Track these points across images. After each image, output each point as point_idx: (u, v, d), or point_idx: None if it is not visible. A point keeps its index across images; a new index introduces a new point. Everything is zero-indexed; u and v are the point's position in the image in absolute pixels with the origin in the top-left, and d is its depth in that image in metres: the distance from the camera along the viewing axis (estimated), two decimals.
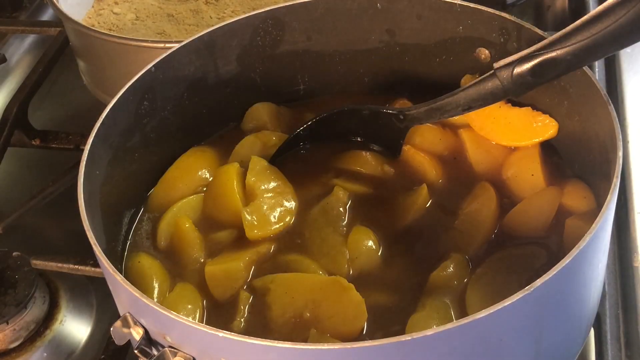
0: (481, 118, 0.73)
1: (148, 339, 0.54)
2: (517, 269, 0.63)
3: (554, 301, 0.52)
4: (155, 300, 0.64)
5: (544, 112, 0.71)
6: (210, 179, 0.75)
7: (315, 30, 0.78)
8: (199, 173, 0.75)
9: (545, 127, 0.71)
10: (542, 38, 0.65)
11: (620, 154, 0.57)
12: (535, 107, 0.72)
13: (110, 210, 0.68)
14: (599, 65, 0.98)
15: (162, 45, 0.85)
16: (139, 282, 0.66)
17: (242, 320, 0.63)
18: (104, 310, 0.82)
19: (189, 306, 0.64)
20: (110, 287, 0.59)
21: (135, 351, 0.55)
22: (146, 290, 0.65)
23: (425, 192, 0.70)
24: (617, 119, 0.59)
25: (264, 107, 0.80)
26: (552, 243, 0.65)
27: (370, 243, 0.67)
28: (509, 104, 0.73)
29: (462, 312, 0.61)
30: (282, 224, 0.70)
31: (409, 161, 0.74)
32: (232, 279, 0.66)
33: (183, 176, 0.75)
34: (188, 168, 0.76)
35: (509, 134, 0.72)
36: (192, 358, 0.52)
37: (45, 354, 0.79)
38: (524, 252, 0.65)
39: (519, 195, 0.69)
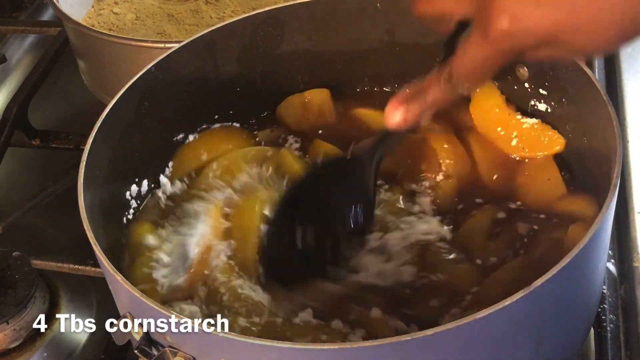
0: (488, 124, 0.73)
1: (148, 339, 0.54)
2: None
3: (554, 301, 0.52)
4: None
5: (544, 112, 0.71)
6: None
7: (315, 30, 0.78)
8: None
9: (552, 142, 0.71)
10: None
11: (620, 154, 0.57)
12: (539, 114, 0.72)
13: (110, 210, 0.68)
14: (599, 65, 0.98)
15: (162, 45, 0.85)
16: None
17: None
18: (104, 310, 0.82)
19: None
20: (110, 287, 0.59)
21: (135, 351, 0.55)
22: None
23: None
24: (617, 119, 0.59)
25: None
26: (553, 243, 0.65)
27: None
28: (519, 115, 0.72)
29: None
30: None
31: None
32: None
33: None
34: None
35: (517, 147, 0.72)
36: (192, 358, 0.52)
37: (45, 354, 0.78)
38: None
39: (531, 200, 0.69)
